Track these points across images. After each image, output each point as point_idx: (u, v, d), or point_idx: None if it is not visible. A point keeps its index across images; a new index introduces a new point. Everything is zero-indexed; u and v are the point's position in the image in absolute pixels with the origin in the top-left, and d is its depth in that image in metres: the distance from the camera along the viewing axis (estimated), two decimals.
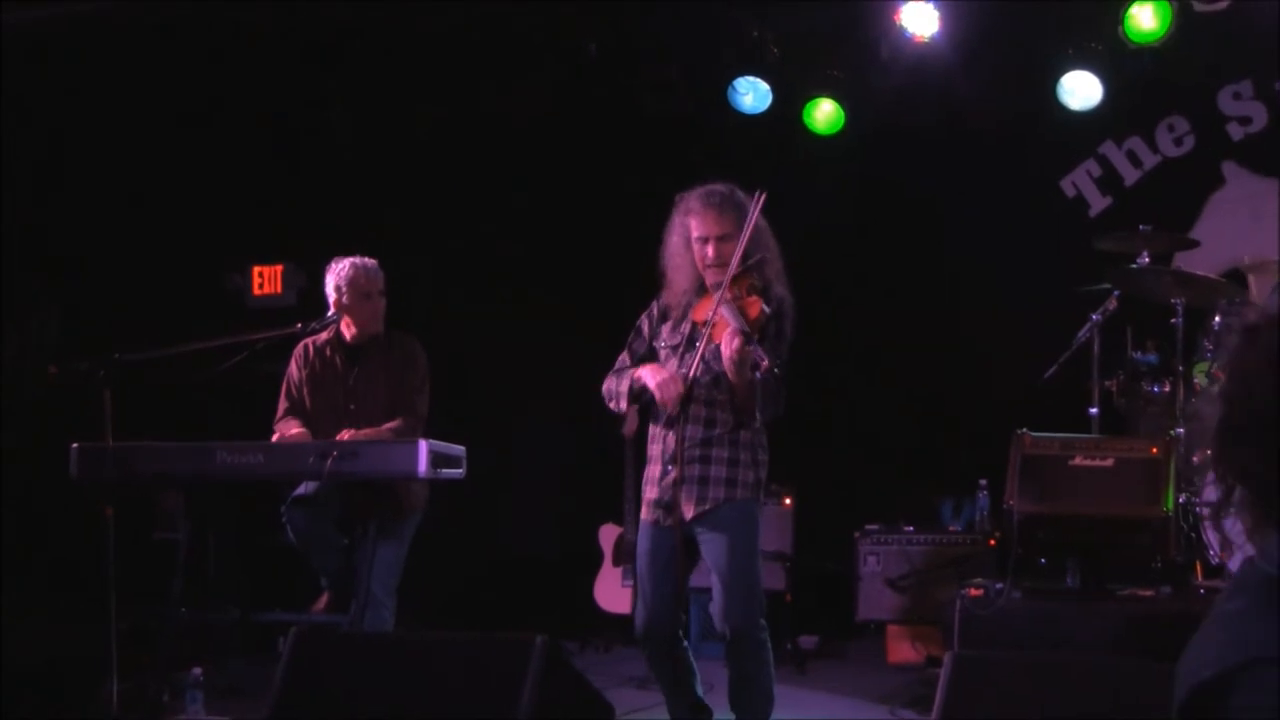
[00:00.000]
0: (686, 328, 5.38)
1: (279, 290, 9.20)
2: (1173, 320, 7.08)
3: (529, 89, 9.32)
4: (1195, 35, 8.24)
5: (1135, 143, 9.07)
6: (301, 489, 6.61)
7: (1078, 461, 6.49)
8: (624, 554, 8.20)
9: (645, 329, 5.56)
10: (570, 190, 9.62)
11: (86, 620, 6.19)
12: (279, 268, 9.21)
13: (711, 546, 5.29)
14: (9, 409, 8.08)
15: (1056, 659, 4.82)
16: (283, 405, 6.83)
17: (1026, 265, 8.72)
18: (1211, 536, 6.66)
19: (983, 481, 8.27)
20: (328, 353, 6.85)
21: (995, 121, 8.97)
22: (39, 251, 8.63)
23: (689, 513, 5.28)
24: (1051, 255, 8.58)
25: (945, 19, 8.46)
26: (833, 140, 9.25)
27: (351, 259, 6.77)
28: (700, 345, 5.24)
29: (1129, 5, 8.12)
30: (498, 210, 9.63)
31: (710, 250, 5.34)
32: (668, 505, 5.33)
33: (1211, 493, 6.43)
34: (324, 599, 6.88)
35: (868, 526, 8.46)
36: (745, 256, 5.28)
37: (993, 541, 8.03)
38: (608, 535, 8.53)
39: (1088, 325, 7.21)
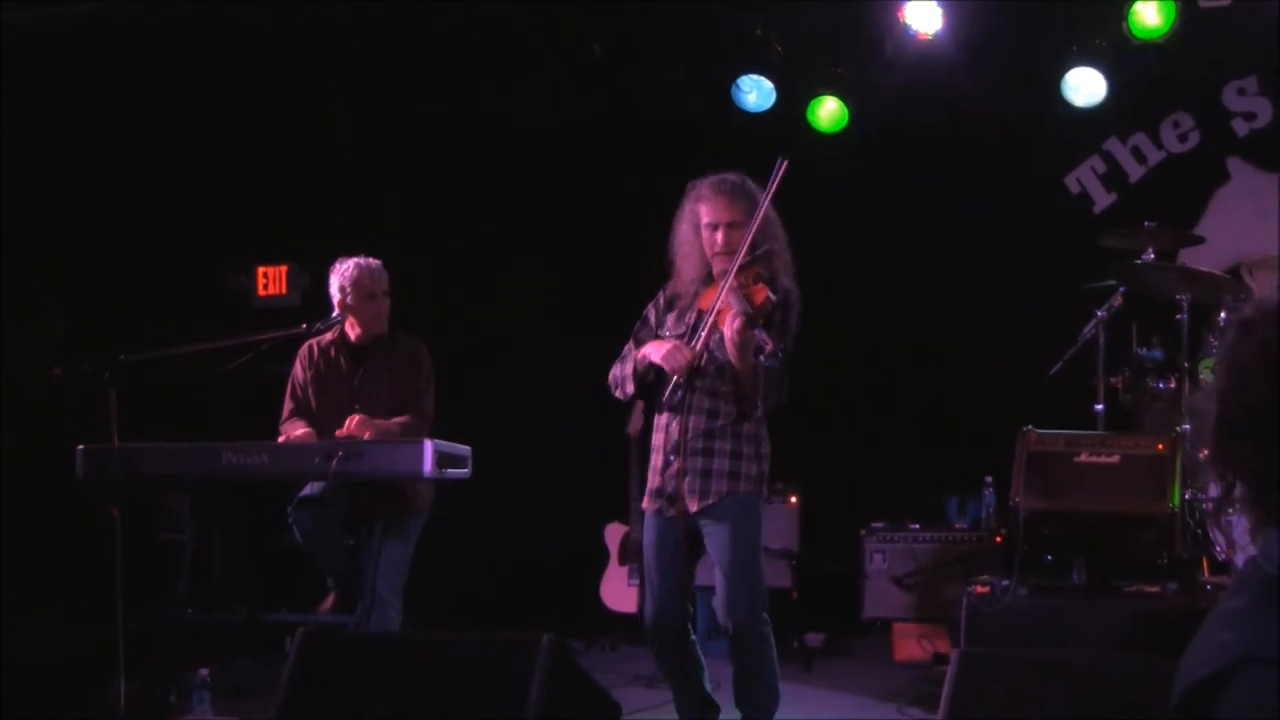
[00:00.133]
0: (692, 316, 5.37)
1: (284, 291, 9.19)
2: (1178, 316, 7.07)
3: (529, 89, 9.32)
4: (1200, 31, 8.24)
5: (1140, 139, 9.07)
6: (307, 489, 6.61)
7: (1083, 458, 6.49)
8: (630, 552, 8.21)
9: (651, 318, 5.55)
10: (572, 190, 9.61)
11: (91, 621, 6.19)
12: (284, 268, 9.20)
13: (714, 540, 5.29)
14: (11, 410, 8.08)
15: (1063, 656, 4.81)
16: (288, 406, 6.83)
17: (1031, 262, 8.71)
18: (1216, 533, 6.66)
19: (988, 478, 8.27)
20: (332, 353, 6.85)
21: (1000, 118, 8.97)
22: (40, 252, 8.63)
23: (692, 506, 5.28)
24: (1056, 252, 8.58)
25: (949, 16, 8.45)
26: (837, 138, 9.26)
27: (355, 259, 6.76)
28: (704, 332, 5.23)
29: (1133, 1, 8.12)
30: (498, 210, 9.62)
31: (719, 237, 5.33)
32: (670, 496, 5.33)
33: (1216, 489, 6.45)
34: (330, 599, 6.88)
35: (873, 524, 8.46)
36: (754, 245, 5.26)
37: (999, 539, 8.04)
38: (613, 534, 8.53)
39: (1093, 322, 7.20)
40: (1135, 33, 8.20)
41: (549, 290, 9.65)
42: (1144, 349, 7.33)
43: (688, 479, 5.29)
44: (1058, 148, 9.20)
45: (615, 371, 5.50)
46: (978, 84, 8.74)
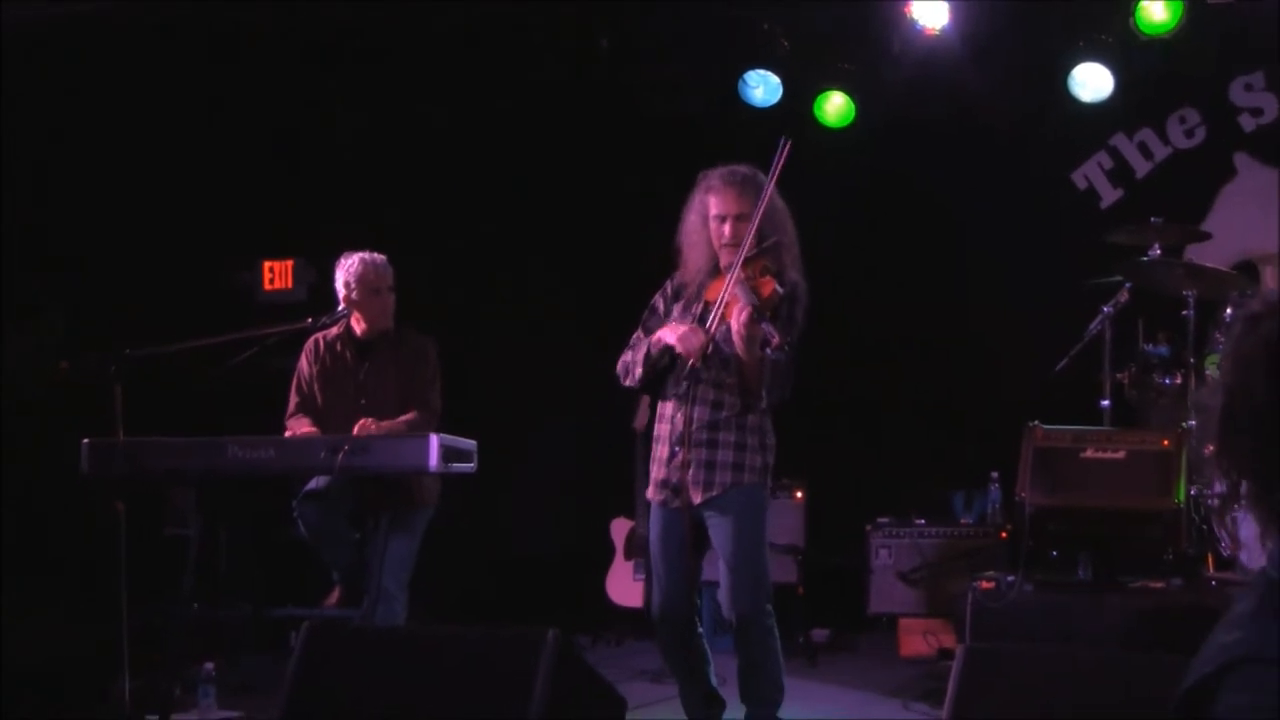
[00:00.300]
0: (698, 308, 5.37)
1: (289, 285, 9.18)
2: (1184, 312, 7.06)
3: (529, 89, 9.31)
4: (1206, 27, 8.24)
5: (1146, 135, 9.06)
6: (313, 484, 6.61)
7: (1089, 454, 6.48)
8: (636, 547, 8.21)
9: (660, 307, 5.55)
10: (573, 189, 9.60)
11: (95, 617, 6.19)
12: (289, 263, 9.20)
13: (719, 532, 5.30)
14: (12, 410, 8.07)
15: (1068, 652, 4.81)
16: (294, 401, 6.84)
17: (1037, 257, 8.71)
18: (1221, 529, 6.65)
19: (994, 474, 8.28)
20: (338, 348, 6.85)
21: (1006, 114, 8.96)
22: (40, 252, 8.62)
23: (697, 498, 5.29)
24: (1062, 247, 8.57)
25: (956, 12, 8.46)
26: (844, 133, 9.25)
27: (360, 254, 6.77)
28: (711, 324, 5.22)
29: None
30: (498, 210, 9.60)
31: (727, 229, 5.33)
32: (675, 487, 5.33)
33: (1221, 484, 6.45)
34: (336, 594, 6.88)
35: (879, 519, 8.46)
36: (762, 237, 5.26)
37: (1004, 534, 8.04)
38: (619, 529, 8.53)
39: (1099, 318, 7.19)
40: (1142, 28, 8.20)
41: (550, 289, 9.64)
42: (1150, 345, 7.32)
43: (692, 470, 5.29)
44: (1064, 143, 9.20)
45: (625, 358, 5.50)
46: (984, 79, 8.74)
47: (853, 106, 9.18)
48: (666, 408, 5.43)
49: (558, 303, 9.58)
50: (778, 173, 5.27)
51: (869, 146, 9.28)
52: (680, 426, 5.32)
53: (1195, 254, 7.98)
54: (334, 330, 6.84)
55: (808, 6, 8.88)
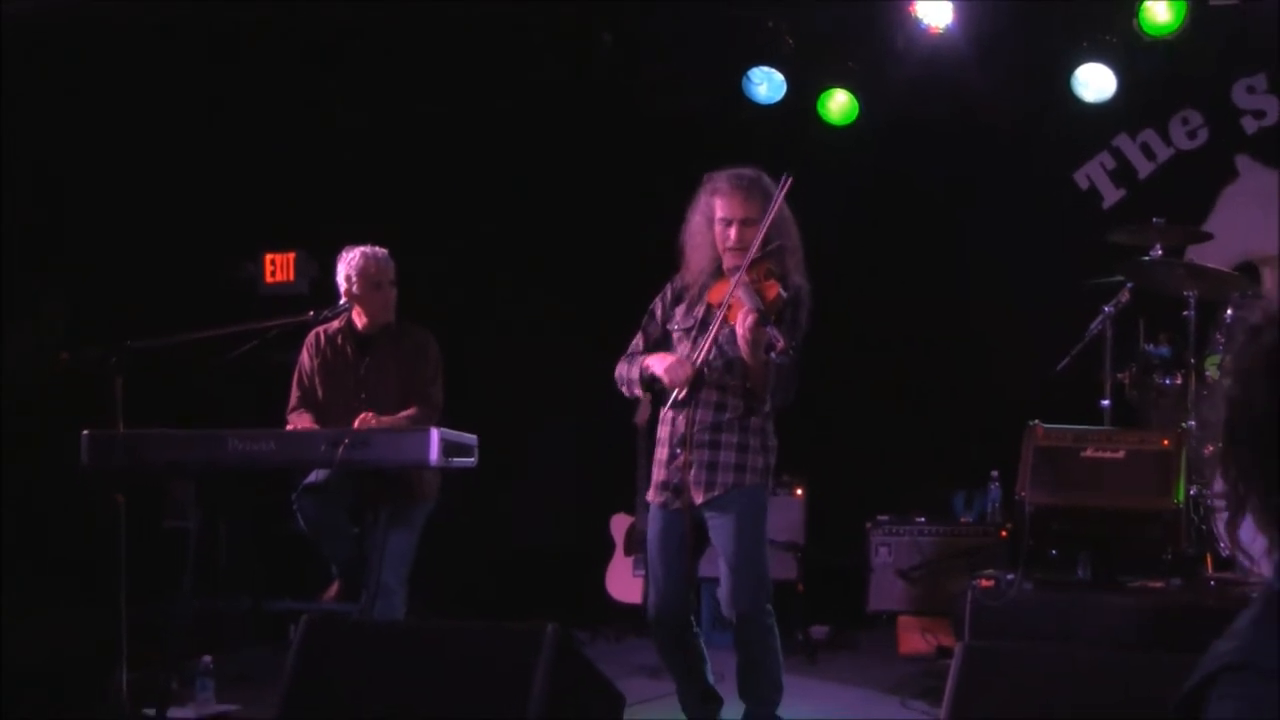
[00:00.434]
0: (701, 310, 5.38)
1: (291, 278, 9.17)
2: (1185, 313, 7.07)
3: (530, 88, 9.31)
4: (1209, 28, 8.24)
5: (1149, 135, 9.06)
6: (313, 477, 6.60)
7: (1089, 453, 6.48)
8: (636, 543, 8.21)
9: (658, 311, 5.55)
10: (576, 186, 9.59)
11: (94, 610, 6.18)
12: (292, 255, 9.18)
13: (720, 532, 5.31)
14: (11, 408, 8.06)
15: (1067, 651, 4.81)
16: (295, 394, 6.84)
17: (1039, 257, 8.71)
18: (1222, 529, 6.66)
19: (994, 473, 8.29)
20: (339, 341, 6.85)
21: (1009, 113, 8.96)
22: (40, 249, 8.61)
23: (698, 498, 5.29)
24: (1064, 247, 8.58)
25: (960, 11, 8.45)
26: (847, 131, 9.26)
27: (362, 248, 6.76)
28: (714, 328, 5.23)
29: None
30: (498, 210, 9.60)
31: (732, 233, 5.34)
32: (676, 488, 5.34)
33: (1228, 495, 6.44)
34: (335, 587, 6.88)
35: (879, 517, 8.47)
36: (766, 242, 5.27)
37: (1004, 533, 8.05)
38: (619, 525, 8.53)
39: (1100, 317, 7.20)
40: (1145, 29, 8.20)
41: (551, 288, 9.63)
42: (1151, 345, 7.33)
43: (693, 471, 5.30)
44: (1067, 143, 9.20)
45: (621, 369, 5.51)
46: (988, 79, 8.74)
47: (856, 104, 9.18)
48: (668, 411, 5.44)
49: (558, 302, 9.57)
50: (778, 205, 5.28)
51: (872, 145, 9.28)
52: (681, 429, 5.33)
53: (1196, 255, 7.98)
54: (335, 324, 6.83)
55: (812, 4, 8.87)
